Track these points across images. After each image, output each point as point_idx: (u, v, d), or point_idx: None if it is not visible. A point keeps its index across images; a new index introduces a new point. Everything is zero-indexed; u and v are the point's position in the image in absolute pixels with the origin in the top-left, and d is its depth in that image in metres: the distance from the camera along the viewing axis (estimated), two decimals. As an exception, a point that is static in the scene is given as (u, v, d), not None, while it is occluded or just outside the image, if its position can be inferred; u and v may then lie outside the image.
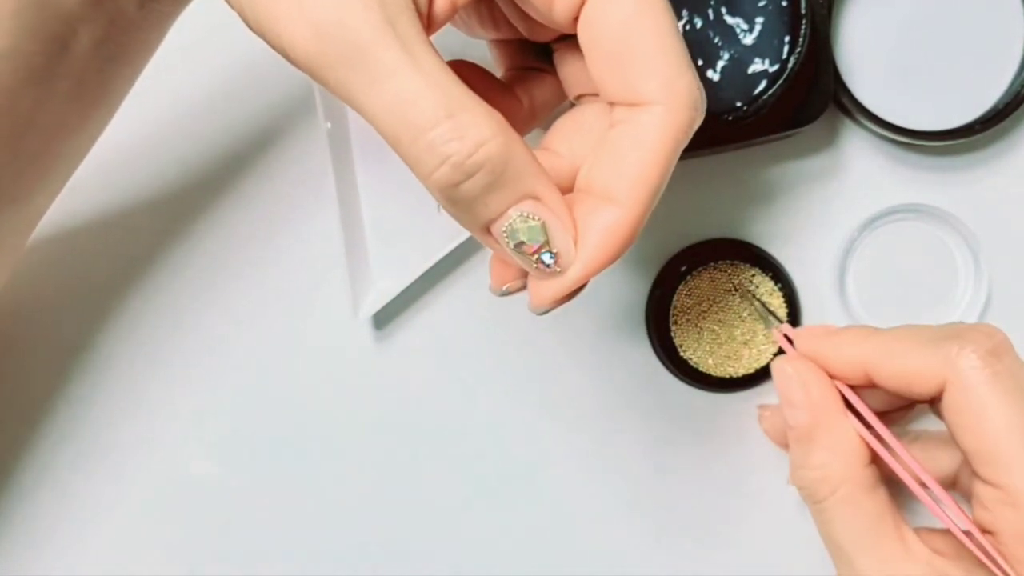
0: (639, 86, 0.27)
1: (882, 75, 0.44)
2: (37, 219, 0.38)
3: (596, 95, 0.32)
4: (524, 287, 0.30)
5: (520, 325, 0.46)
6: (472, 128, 0.25)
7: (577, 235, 0.28)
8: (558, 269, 0.28)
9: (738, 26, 0.41)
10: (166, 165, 0.45)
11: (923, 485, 0.33)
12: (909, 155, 0.45)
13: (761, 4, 0.41)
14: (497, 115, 0.26)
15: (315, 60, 0.26)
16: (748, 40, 0.41)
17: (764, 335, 0.45)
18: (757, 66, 0.41)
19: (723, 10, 0.41)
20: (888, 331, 0.35)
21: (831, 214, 0.46)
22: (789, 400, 0.36)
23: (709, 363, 0.45)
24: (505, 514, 0.46)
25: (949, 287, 0.45)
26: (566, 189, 0.30)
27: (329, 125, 0.43)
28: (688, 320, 0.45)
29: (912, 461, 0.34)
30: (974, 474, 0.32)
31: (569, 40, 0.32)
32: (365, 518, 0.46)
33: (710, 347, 0.45)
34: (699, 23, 0.41)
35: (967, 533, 0.32)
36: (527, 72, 0.34)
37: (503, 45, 0.34)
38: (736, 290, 0.45)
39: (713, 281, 0.45)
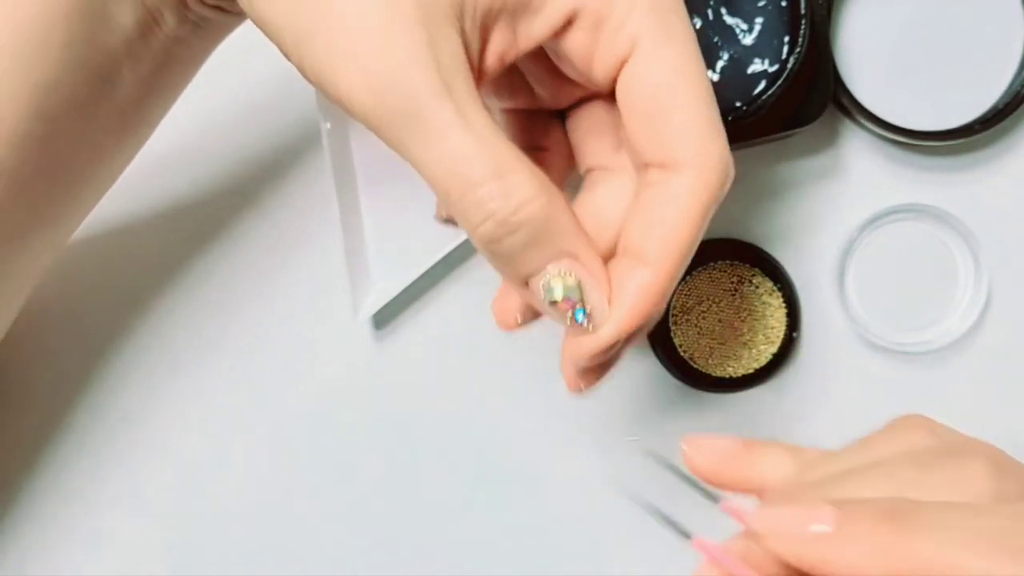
0: (674, 149, 0.28)
1: (882, 75, 0.44)
2: (66, 239, 0.39)
3: (607, 167, 0.32)
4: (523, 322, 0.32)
5: (520, 325, 0.46)
6: (517, 188, 0.27)
7: (612, 294, 0.29)
8: (591, 327, 0.29)
9: (737, 26, 0.41)
10: (167, 167, 0.45)
11: None
12: (909, 155, 0.45)
13: (760, 4, 0.41)
14: (541, 175, 0.27)
15: (372, 114, 0.27)
16: (747, 40, 0.41)
17: (764, 335, 0.45)
18: (757, 66, 0.41)
19: (722, 10, 0.41)
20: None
21: (831, 214, 0.46)
22: None
23: (709, 363, 0.45)
24: (505, 514, 0.46)
25: (949, 287, 0.45)
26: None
27: (329, 125, 0.43)
28: (688, 320, 0.45)
29: None
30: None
31: (587, 106, 0.32)
32: (365, 518, 0.46)
33: (710, 347, 0.45)
34: (698, 23, 0.41)
35: None
36: (530, 153, 0.35)
37: (513, 115, 0.35)
38: (736, 291, 0.45)
39: (713, 281, 0.45)
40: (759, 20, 0.41)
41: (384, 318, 0.46)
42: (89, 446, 0.45)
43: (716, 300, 0.45)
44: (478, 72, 0.29)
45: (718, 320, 0.45)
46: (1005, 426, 0.45)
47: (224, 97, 0.46)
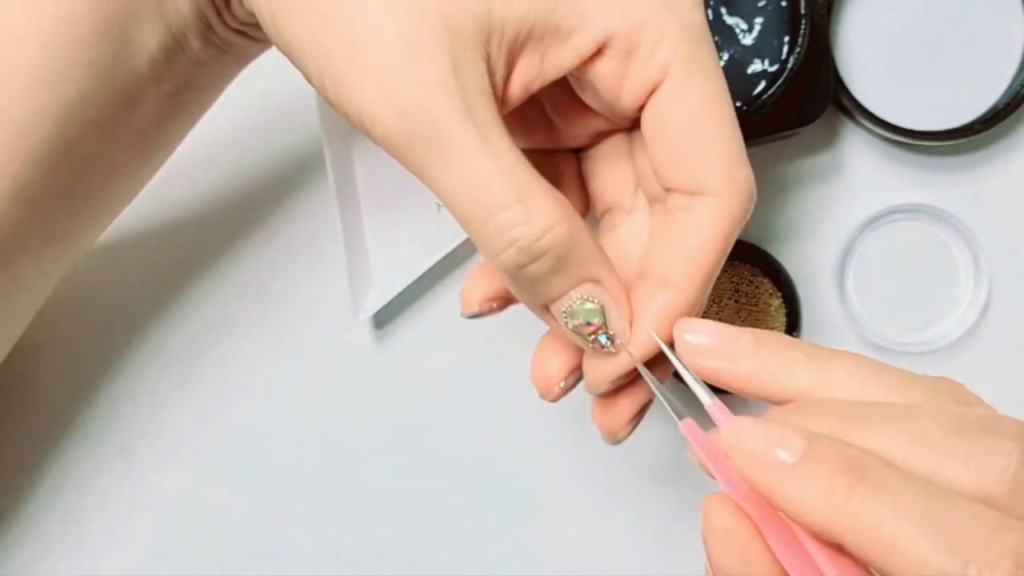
0: (701, 176, 0.28)
1: (882, 75, 0.44)
2: (78, 255, 0.39)
3: (625, 208, 0.33)
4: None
5: (520, 325, 0.46)
6: (540, 213, 0.26)
7: (634, 318, 0.29)
8: (613, 350, 0.29)
9: (737, 26, 0.41)
10: (167, 168, 0.45)
11: None
12: (909, 155, 0.45)
13: (760, 4, 0.41)
14: (564, 201, 0.27)
15: (394, 139, 0.27)
16: (747, 40, 0.41)
17: (764, 335, 0.45)
18: (757, 66, 0.41)
19: (722, 10, 0.41)
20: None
21: (831, 214, 0.46)
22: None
23: (709, 363, 0.45)
24: (505, 513, 0.46)
25: (949, 287, 0.45)
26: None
27: (329, 127, 0.43)
28: (688, 320, 0.45)
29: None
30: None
31: (605, 142, 0.33)
32: (365, 517, 0.46)
33: (710, 347, 0.45)
34: (699, 23, 0.41)
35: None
36: None
37: (528, 156, 0.35)
38: (736, 291, 0.45)
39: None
40: (759, 20, 0.41)
41: (384, 318, 0.46)
42: (95, 447, 0.45)
43: (716, 300, 0.45)
44: (502, 99, 0.28)
45: (718, 320, 0.45)
46: (1005, 426, 0.45)
47: (226, 99, 0.46)
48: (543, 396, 0.32)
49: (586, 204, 0.34)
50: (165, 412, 0.46)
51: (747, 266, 0.45)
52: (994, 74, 0.44)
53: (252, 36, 0.34)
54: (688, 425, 0.27)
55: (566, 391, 0.32)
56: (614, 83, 0.29)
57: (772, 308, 0.45)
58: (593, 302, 0.28)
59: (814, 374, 0.25)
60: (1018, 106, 0.43)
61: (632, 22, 0.28)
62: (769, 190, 0.46)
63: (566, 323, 0.29)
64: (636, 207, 0.32)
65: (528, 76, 0.29)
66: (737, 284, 0.45)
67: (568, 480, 0.46)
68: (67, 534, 0.45)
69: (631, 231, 0.32)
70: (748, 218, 0.29)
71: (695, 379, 0.28)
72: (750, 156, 0.45)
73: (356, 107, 0.27)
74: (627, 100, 0.29)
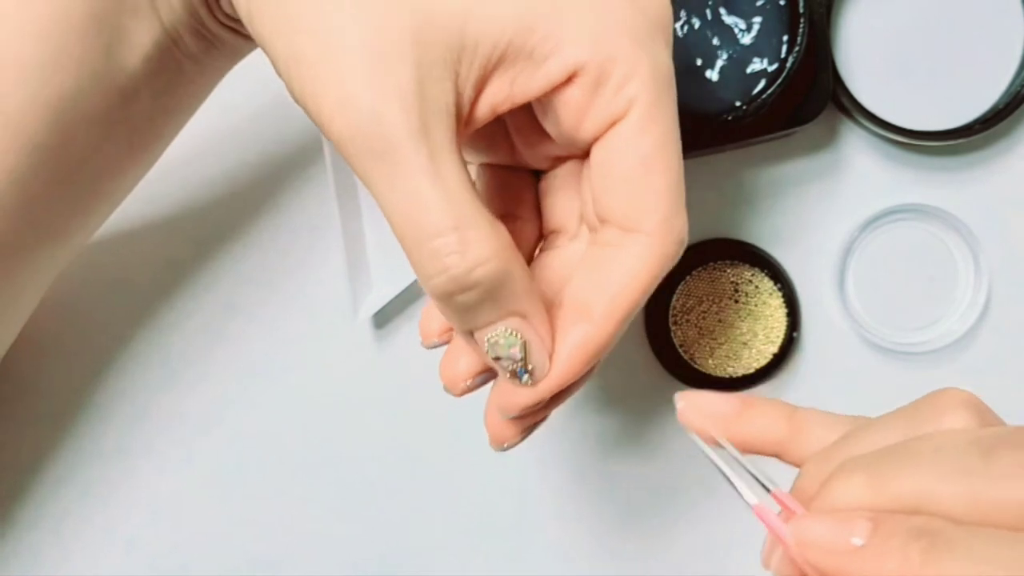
0: (641, 217, 0.29)
1: (881, 74, 0.44)
2: (73, 254, 0.39)
3: (568, 232, 0.33)
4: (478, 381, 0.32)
5: (520, 325, 0.46)
6: (475, 245, 0.27)
7: (553, 348, 0.30)
8: (530, 384, 0.30)
9: (736, 26, 0.41)
10: (167, 168, 0.45)
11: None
12: (909, 155, 0.45)
13: (759, 3, 0.41)
14: (503, 235, 0.28)
15: (346, 143, 0.27)
16: (746, 40, 0.41)
17: (764, 335, 0.45)
18: (756, 66, 0.41)
19: (721, 10, 0.41)
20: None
21: (831, 214, 0.46)
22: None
23: (709, 363, 0.45)
24: (504, 513, 0.46)
25: (949, 287, 0.45)
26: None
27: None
28: (688, 320, 0.45)
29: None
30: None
31: (563, 167, 0.33)
32: (364, 517, 0.46)
33: (710, 347, 0.45)
34: (697, 23, 0.41)
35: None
36: (503, 220, 0.35)
37: (491, 172, 0.35)
38: (736, 291, 0.45)
39: (713, 281, 0.45)
40: (758, 19, 0.41)
41: (384, 318, 0.46)
42: (89, 448, 0.46)
43: (716, 300, 0.45)
44: (467, 119, 0.28)
45: (718, 320, 0.45)
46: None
47: (226, 100, 0.46)
48: (448, 390, 0.33)
49: (540, 224, 0.34)
50: (164, 412, 0.46)
51: (747, 266, 0.45)
52: (994, 74, 0.44)
53: (242, 33, 0.34)
54: (761, 510, 0.25)
55: (471, 390, 0.33)
56: (577, 112, 0.29)
57: (772, 308, 0.45)
58: (517, 336, 0.29)
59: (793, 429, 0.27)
60: (1018, 106, 0.43)
61: (605, 55, 0.28)
62: (768, 190, 0.46)
63: (488, 352, 0.29)
64: (580, 235, 0.33)
65: (497, 98, 0.28)
66: (737, 284, 0.45)
67: (569, 479, 0.46)
68: (68, 535, 0.45)
69: (567, 256, 0.33)
70: (675, 263, 0.30)
71: (750, 470, 0.27)
72: (751, 156, 0.45)
73: (315, 107, 0.27)
74: (586, 131, 0.29)
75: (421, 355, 0.46)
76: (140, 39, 0.33)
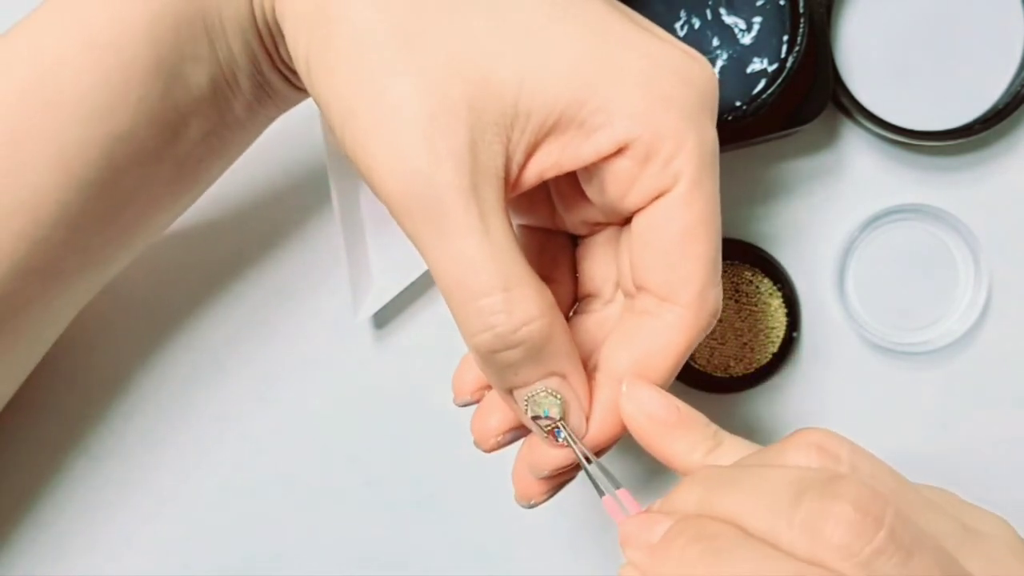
0: (678, 288, 0.29)
1: (881, 74, 0.44)
2: (106, 281, 0.40)
3: (605, 298, 0.33)
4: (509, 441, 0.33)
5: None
6: (522, 305, 0.27)
7: (590, 411, 0.30)
8: (566, 445, 0.30)
9: (736, 26, 0.41)
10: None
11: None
12: (909, 155, 0.45)
13: (759, 3, 0.41)
14: (548, 295, 0.28)
15: (397, 203, 0.28)
16: (747, 40, 0.41)
17: (764, 335, 0.45)
18: (756, 65, 0.41)
19: (721, 10, 0.41)
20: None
21: (831, 214, 0.46)
22: None
23: (709, 363, 0.45)
24: (506, 512, 0.46)
25: (949, 287, 0.45)
26: None
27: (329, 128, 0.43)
28: (688, 320, 0.45)
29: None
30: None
31: (602, 233, 0.33)
32: (364, 517, 0.46)
33: (710, 347, 0.45)
34: (697, 23, 0.41)
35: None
36: None
37: (530, 234, 0.35)
38: (736, 291, 0.45)
39: (713, 281, 0.45)
40: (758, 19, 0.41)
41: (384, 318, 0.46)
42: (95, 452, 0.46)
43: (716, 300, 0.45)
44: (515, 183, 0.29)
45: (718, 320, 0.45)
46: (1005, 426, 0.45)
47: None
48: (478, 445, 0.33)
49: (575, 288, 0.35)
50: (164, 411, 0.46)
51: (747, 266, 0.45)
52: (994, 74, 0.44)
53: (295, 84, 0.35)
54: (608, 503, 0.30)
55: (501, 446, 0.33)
56: (624, 184, 0.29)
57: (772, 308, 0.45)
58: (556, 396, 0.29)
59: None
60: (1018, 106, 0.43)
61: (655, 129, 0.28)
62: (768, 190, 0.46)
63: (526, 410, 0.30)
64: (615, 300, 0.33)
65: (545, 164, 0.29)
66: (737, 284, 0.45)
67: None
68: (69, 534, 0.45)
69: (601, 320, 0.33)
70: (708, 332, 0.31)
71: (602, 471, 0.30)
72: (751, 156, 0.45)
73: (367, 164, 0.28)
74: (630, 201, 0.29)
75: (421, 355, 0.46)
76: (198, 82, 0.33)
